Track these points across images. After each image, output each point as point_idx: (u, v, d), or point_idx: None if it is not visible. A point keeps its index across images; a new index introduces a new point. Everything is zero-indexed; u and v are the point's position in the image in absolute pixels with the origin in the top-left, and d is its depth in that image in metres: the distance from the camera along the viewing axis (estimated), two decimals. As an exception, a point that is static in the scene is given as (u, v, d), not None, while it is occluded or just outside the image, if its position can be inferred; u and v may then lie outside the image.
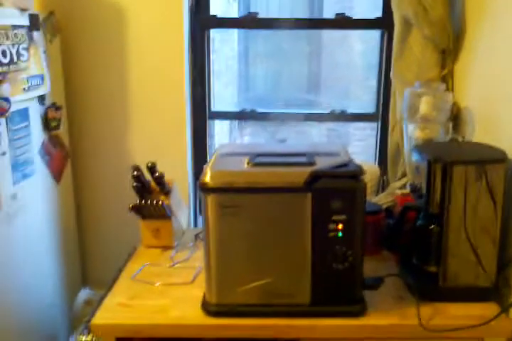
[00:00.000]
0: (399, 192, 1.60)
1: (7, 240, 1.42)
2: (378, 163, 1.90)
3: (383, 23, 1.78)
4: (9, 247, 1.44)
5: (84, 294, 1.64)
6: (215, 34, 1.90)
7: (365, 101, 2.07)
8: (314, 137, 2.46)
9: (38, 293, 1.59)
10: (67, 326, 1.73)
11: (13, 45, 1.41)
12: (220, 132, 2.13)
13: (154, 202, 1.55)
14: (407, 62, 1.63)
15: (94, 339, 1.28)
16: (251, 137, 2.55)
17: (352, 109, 1.97)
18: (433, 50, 1.59)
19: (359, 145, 2.26)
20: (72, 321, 1.66)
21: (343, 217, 1.18)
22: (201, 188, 1.19)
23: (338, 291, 1.22)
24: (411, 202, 1.41)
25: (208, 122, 1.92)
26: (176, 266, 1.50)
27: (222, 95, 2.24)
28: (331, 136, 2.62)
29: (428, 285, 1.30)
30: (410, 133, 1.57)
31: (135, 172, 1.54)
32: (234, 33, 2.60)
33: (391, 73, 1.67)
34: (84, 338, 1.27)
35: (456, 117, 1.58)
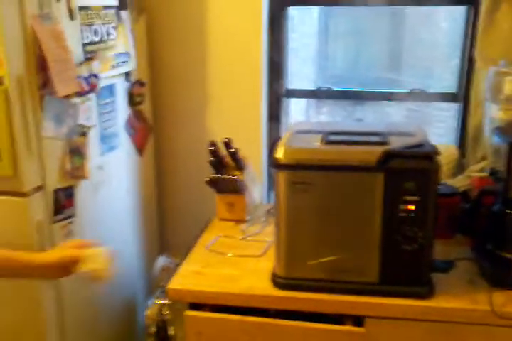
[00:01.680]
0: (477, 175, 1.55)
1: (94, 208, 1.53)
2: (459, 145, 1.83)
3: (470, -2, 1.70)
4: (96, 214, 1.55)
5: (161, 261, 1.74)
6: (294, 11, 1.90)
7: (448, 81, 1.99)
8: (393, 118, 2.40)
9: (120, 258, 1.71)
10: (145, 290, 1.85)
11: (103, 24, 1.49)
12: (297, 111, 2.14)
13: (229, 176, 1.61)
14: (493, 39, 1.55)
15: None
16: (328, 117, 2.53)
17: (434, 90, 1.91)
18: (522, 26, 1.51)
19: (440, 127, 2.19)
20: (150, 286, 1.77)
21: (415, 197, 1.17)
22: (273, 164, 1.22)
23: (405, 272, 1.22)
24: (489, 186, 1.37)
25: (284, 100, 1.94)
26: (248, 239, 1.55)
27: (300, 73, 2.24)
28: (411, 117, 2.55)
29: (502, 271, 1.27)
30: (493, 114, 1.51)
31: (211, 147, 1.60)
32: (313, 10, 2.58)
33: (475, 50, 1.60)
34: (160, 301, 1.36)
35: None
